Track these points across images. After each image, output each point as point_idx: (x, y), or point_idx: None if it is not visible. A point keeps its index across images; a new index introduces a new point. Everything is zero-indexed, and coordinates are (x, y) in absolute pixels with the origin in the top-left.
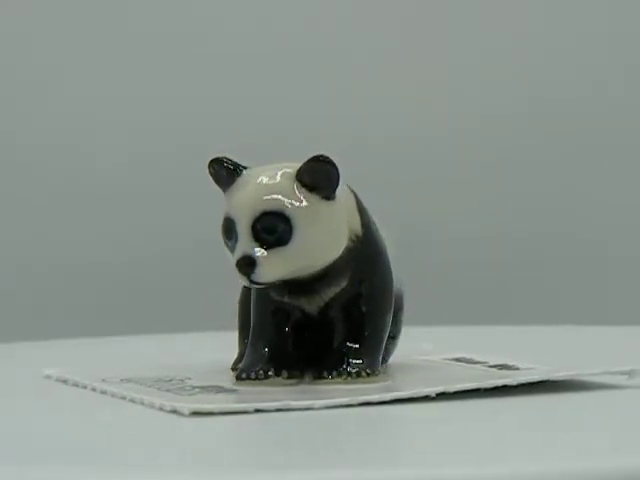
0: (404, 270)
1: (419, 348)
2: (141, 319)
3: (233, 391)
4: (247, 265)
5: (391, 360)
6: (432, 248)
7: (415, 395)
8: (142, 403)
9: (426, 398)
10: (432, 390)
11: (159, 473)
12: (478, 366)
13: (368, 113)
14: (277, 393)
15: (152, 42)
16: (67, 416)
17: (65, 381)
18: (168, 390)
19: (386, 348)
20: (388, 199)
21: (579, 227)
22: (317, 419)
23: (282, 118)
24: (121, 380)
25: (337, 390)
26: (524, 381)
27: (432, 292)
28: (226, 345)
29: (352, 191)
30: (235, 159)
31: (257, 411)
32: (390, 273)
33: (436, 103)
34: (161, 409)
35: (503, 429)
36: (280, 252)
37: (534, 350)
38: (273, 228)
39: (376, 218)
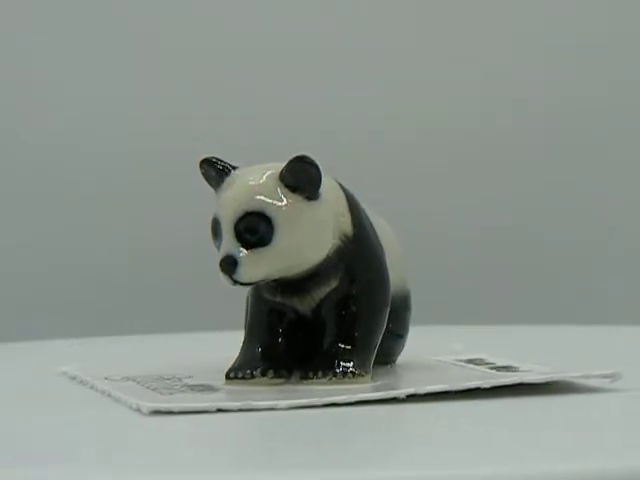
0: (412, 270)
1: (451, 348)
2: (146, 319)
3: (217, 390)
4: (229, 265)
5: (402, 359)
6: (432, 249)
7: (383, 397)
8: (120, 401)
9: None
10: (401, 392)
11: (122, 472)
12: (481, 367)
13: (368, 113)
14: (260, 393)
15: (152, 42)
16: (54, 415)
17: (74, 378)
18: (154, 389)
19: (392, 347)
20: (392, 200)
21: (580, 227)
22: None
23: (281, 117)
24: (122, 378)
25: (319, 391)
26: (497, 384)
27: (433, 293)
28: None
29: (344, 190)
30: (228, 159)
31: (219, 410)
32: (384, 273)
33: (437, 102)
34: (132, 407)
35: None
36: (262, 252)
37: (557, 350)
38: (255, 228)
39: (384, 218)
